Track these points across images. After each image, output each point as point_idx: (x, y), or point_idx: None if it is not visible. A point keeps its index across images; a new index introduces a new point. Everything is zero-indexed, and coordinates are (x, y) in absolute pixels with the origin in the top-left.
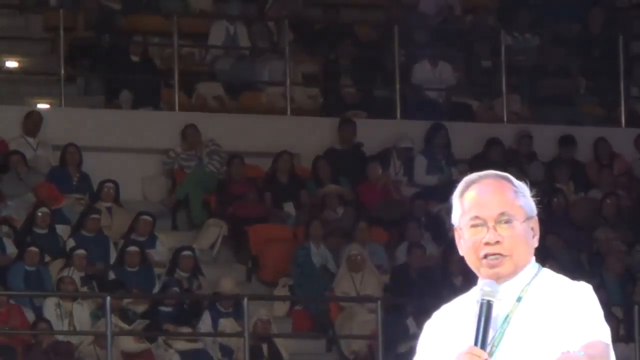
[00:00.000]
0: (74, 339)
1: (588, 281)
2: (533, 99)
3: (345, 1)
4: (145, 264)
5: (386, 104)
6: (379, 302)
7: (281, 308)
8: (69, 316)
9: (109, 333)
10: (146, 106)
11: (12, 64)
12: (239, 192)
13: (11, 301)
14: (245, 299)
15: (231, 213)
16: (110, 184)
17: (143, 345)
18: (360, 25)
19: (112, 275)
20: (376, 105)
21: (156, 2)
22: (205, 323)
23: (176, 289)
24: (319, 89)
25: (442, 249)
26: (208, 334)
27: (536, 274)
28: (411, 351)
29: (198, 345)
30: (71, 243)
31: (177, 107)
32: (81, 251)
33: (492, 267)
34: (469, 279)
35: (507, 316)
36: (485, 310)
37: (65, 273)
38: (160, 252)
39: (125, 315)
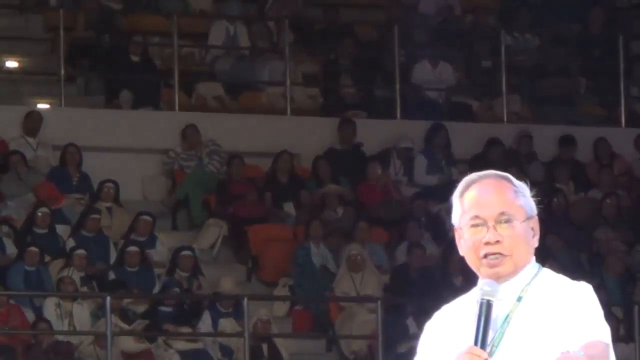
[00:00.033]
0: (74, 339)
1: (588, 281)
2: (533, 99)
3: (345, 1)
4: (145, 264)
5: (386, 104)
6: (379, 302)
7: (281, 308)
8: (69, 316)
9: (109, 333)
10: (146, 106)
11: (12, 64)
12: (239, 192)
13: (11, 301)
14: (245, 299)
15: (231, 213)
16: (110, 184)
17: (143, 345)
18: (360, 25)
19: (112, 275)
20: (376, 105)
21: (156, 2)
22: (205, 323)
23: (176, 289)
24: (319, 89)
25: (442, 249)
26: (208, 334)
27: (536, 274)
28: (411, 351)
29: (198, 345)
30: (71, 243)
31: (177, 107)
32: (81, 251)
33: (492, 266)
34: (469, 279)
35: (507, 316)
36: (485, 310)
37: (65, 273)
38: (160, 252)
39: (125, 315)
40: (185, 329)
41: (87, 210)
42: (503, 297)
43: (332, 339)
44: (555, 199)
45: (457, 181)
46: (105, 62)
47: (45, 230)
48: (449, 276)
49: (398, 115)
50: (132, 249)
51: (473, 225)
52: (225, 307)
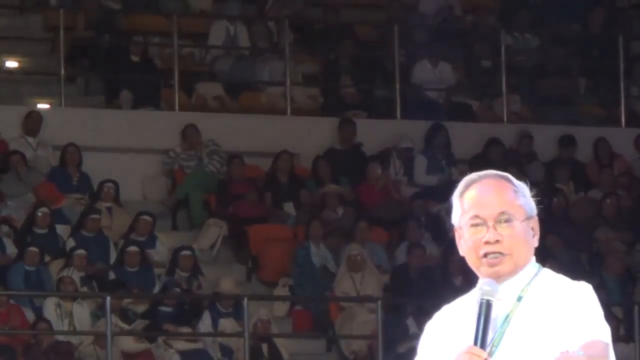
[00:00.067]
0: (74, 339)
1: (588, 281)
2: (533, 99)
3: (345, 1)
4: (145, 264)
5: (386, 104)
6: (379, 302)
7: (281, 308)
8: (69, 316)
9: (109, 333)
10: (146, 106)
11: (12, 64)
12: (239, 192)
13: (11, 301)
14: (245, 299)
15: (231, 213)
16: (110, 184)
17: (143, 345)
18: (360, 25)
19: (112, 275)
20: (376, 105)
21: (156, 2)
22: (205, 323)
23: (176, 289)
24: (319, 89)
25: (442, 249)
26: (208, 334)
27: (536, 274)
28: (411, 351)
29: (198, 345)
30: (71, 243)
31: (177, 107)
32: (81, 251)
33: (492, 265)
34: (469, 279)
35: (507, 316)
36: (485, 310)
37: (65, 273)
38: (160, 252)
39: (125, 315)
40: (185, 329)
41: (87, 210)
42: (503, 297)
43: (332, 339)
44: (555, 199)
45: (457, 181)
46: (105, 62)
47: (45, 230)
48: (449, 276)
49: (398, 115)
50: (132, 249)
51: (473, 225)
52: (225, 307)
